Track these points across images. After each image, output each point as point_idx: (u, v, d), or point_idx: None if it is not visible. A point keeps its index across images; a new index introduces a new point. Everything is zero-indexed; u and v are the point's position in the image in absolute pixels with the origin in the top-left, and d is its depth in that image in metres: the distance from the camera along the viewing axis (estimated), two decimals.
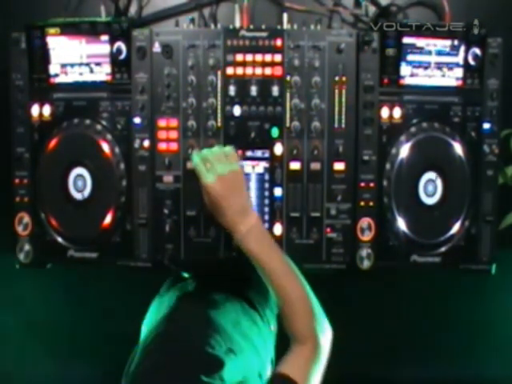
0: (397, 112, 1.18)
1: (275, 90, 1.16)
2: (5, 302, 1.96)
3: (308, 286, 0.99)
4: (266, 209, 1.18)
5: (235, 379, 0.95)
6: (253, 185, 1.18)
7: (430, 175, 1.18)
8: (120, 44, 1.16)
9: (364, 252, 1.19)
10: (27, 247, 1.22)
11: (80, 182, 1.18)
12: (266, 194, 1.18)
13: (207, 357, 0.98)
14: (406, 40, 1.16)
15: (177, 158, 1.18)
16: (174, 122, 1.18)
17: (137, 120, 1.18)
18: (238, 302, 1.24)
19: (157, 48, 1.17)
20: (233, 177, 1.01)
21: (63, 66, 1.19)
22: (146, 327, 1.21)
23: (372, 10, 1.30)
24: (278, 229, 1.18)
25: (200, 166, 1.03)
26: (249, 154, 1.17)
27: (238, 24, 1.24)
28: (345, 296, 1.76)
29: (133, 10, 1.32)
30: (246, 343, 1.12)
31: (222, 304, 1.20)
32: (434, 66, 1.18)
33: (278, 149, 1.17)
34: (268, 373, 1.15)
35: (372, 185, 1.19)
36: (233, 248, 1.17)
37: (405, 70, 1.17)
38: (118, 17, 1.28)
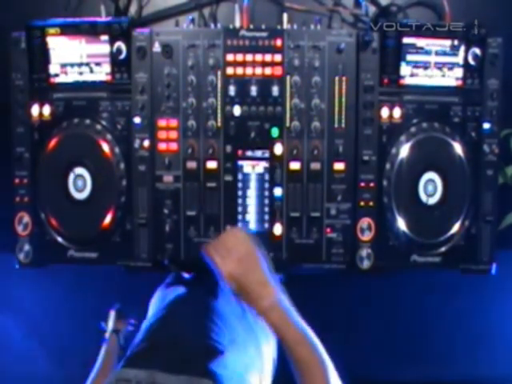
0: (397, 112, 1.18)
1: (275, 90, 1.16)
2: (4, 301, 1.96)
3: (326, 355, 1.00)
4: (266, 209, 1.18)
5: (237, 370, 0.95)
6: (253, 185, 1.18)
7: (430, 175, 1.18)
8: (120, 44, 1.16)
9: (364, 252, 1.19)
10: (27, 247, 1.22)
11: (80, 182, 1.18)
12: (266, 193, 1.18)
13: (211, 342, 0.99)
14: (406, 40, 1.16)
15: (177, 158, 1.18)
16: (174, 122, 1.18)
17: (137, 120, 1.18)
18: None
19: (157, 48, 1.17)
20: (243, 259, 0.98)
21: (63, 65, 1.19)
22: (149, 315, 1.22)
23: (372, 10, 1.30)
24: (277, 229, 1.18)
25: (212, 260, 0.99)
26: (249, 153, 1.18)
27: (238, 24, 1.24)
28: (345, 296, 1.76)
29: (133, 10, 1.33)
30: (249, 337, 1.13)
31: (228, 297, 1.21)
32: (434, 65, 1.18)
33: (278, 149, 1.17)
34: (269, 372, 1.15)
35: (372, 185, 1.19)
36: None
37: (405, 70, 1.17)
38: (118, 17, 1.28)
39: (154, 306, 1.24)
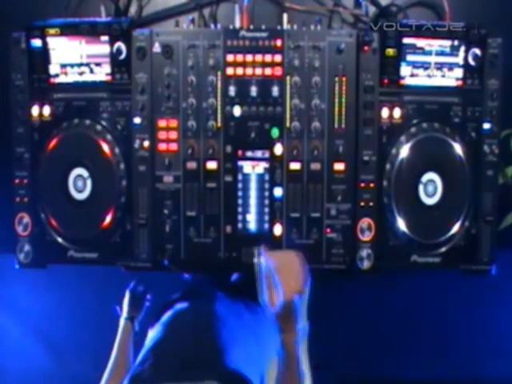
0: (397, 112, 1.18)
1: (275, 90, 1.16)
2: (5, 301, 1.97)
3: None
4: (266, 209, 1.18)
5: (240, 368, 0.97)
6: (253, 185, 1.18)
7: (430, 175, 1.18)
8: (120, 44, 1.16)
9: (364, 252, 1.19)
10: (27, 247, 1.22)
11: (80, 182, 1.18)
12: (266, 194, 1.18)
13: (212, 345, 1.01)
14: (406, 40, 1.16)
15: (177, 158, 1.18)
16: (173, 123, 1.18)
17: (137, 120, 1.18)
18: (240, 297, 1.26)
19: (157, 48, 1.17)
20: (304, 288, 0.97)
21: (63, 66, 1.19)
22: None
23: (372, 10, 1.30)
24: (278, 229, 1.18)
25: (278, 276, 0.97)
26: (249, 154, 1.18)
27: (238, 24, 1.24)
28: (345, 296, 1.77)
29: (133, 10, 1.32)
30: (249, 336, 1.13)
31: (225, 299, 1.22)
32: (434, 66, 1.18)
33: (278, 149, 1.17)
34: (273, 364, 1.17)
35: (372, 185, 1.19)
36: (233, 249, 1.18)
37: (405, 70, 1.17)
38: (118, 17, 1.28)
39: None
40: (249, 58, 1.16)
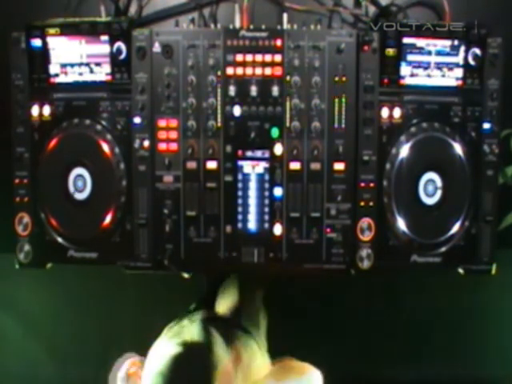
0: (397, 112, 1.18)
1: (275, 90, 1.16)
2: (5, 301, 1.97)
3: None
4: (266, 209, 1.18)
5: None
6: (253, 185, 1.18)
7: (430, 175, 1.18)
8: (120, 44, 1.16)
9: (364, 252, 1.19)
10: (27, 247, 1.22)
11: (80, 182, 1.18)
12: (266, 194, 1.18)
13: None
14: (406, 40, 1.16)
15: (177, 158, 1.18)
16: (173, 122, 1.18)
17: (137, 120, 1.18)
18: (234, 332, 1.27)
19: (157, 48, 1.17)
20: None
21: (63, 65, 1.19)
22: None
23: (372, 10, 1.30)
24: (277, 229, 1.18)
25: None
26: (249, 154, 1.18)
27: (238, 24, 1.24)
28: (345, 296, 1.77)
29: (133, 10, 1.32)
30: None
31: (219, 332, 1.23)
32: (434, 66, 1.18)
33: (278, 149, 1.17)
34: None
35: (372, 185, 1.19)
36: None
37: (405, 70, 1.17)
38: (118, 17, 1.28)
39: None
40: (249, 57, 1.16)
